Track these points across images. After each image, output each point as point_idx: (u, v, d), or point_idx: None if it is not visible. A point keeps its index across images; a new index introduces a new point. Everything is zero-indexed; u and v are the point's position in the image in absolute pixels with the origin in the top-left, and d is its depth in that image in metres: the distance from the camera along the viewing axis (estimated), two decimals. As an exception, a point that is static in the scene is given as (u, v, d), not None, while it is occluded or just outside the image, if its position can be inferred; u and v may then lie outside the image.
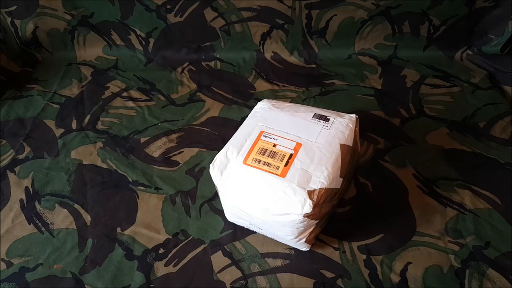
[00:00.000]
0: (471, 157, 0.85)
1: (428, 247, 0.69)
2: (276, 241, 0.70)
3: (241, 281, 0.66)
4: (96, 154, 0.90)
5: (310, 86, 1.07)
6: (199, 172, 0.84)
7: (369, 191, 0.79)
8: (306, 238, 0.64)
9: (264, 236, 0.71)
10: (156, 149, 0.90)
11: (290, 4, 1.10)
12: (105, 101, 1.05)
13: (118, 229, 0.74)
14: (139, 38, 1.18)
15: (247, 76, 1.12)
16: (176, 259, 0.69)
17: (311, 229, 0.63)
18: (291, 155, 0.62)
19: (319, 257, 0.69)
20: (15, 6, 1.12)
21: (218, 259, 0.69)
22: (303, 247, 0.67)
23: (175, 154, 0.89)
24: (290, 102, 0.90)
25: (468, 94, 1.01)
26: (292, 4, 1.10)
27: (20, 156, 0.90)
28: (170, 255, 0.70)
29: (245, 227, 0.71)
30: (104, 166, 0.87)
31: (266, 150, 0.64)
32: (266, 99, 0.77)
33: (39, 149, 0.92)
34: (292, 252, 0.69)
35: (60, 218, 0.77)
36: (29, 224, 0.76)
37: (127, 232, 0.74)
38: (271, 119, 0.70)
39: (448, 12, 1.08)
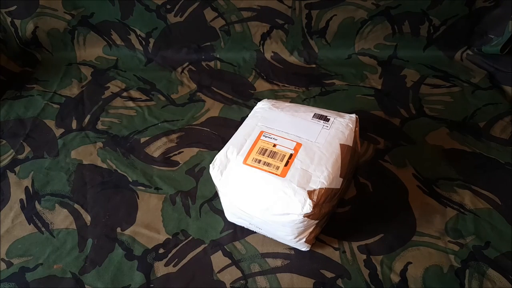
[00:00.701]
0: (471, 157, 0.85)
1: (428, 247, 0.69)
2: (276, 241, 0.70)
3: (241, 281, 0.66)
4: (96, 154, 0.90)
5: (310, 86, 1.07)
6: (199, 172, 0.84)
7: (369, 191, 0.79)
8: (306, 238, 0.64)
9: (264, 236, 0.71)
10: (156, 149, 0.90)
11: (290, 4, 1.10)
12: (105, 101, 1.05)
13: (118, 229, 0.75)
14: (139, 38, 1.18)
15: (247, 76, 1.12)
16: (176, 259, 0.69)
17: (311, 229, 0.63)
18: (291, 155, 0.62)
19: (319, 257, 0.69)
20: (15, 6, 1.12)
21: (218, 259, 0.69)
22: (303, 247, 0.67)
23: (175, 154, 0.89)
24: (290, 102, 0.90)
25: (468, 94, 1.01)
26: (292, 4, 1.10)
27: (20, 156, 0.90)
28: (170, 255, 0.70)
29: (245, 227, 0.71)
30: (104, 166, 0.87)
31: (266, 150, 0.64)
32: (266, 99, 0.77)
33: (39, 149, 0.92)
34: (292, 252, 0.69)
35: (60, 218, 0.77)
36: (29, 224, 0.76)
37: (127, 232, 0.74)
38: (271, 119, 0.70)
39: (448, 12, 1.08)
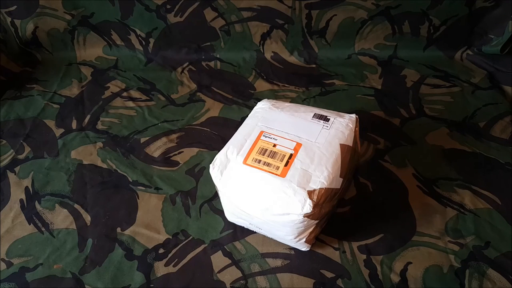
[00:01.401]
0: (471, 157, 0.85)
1: (428, 247, 0.69)
2: (276, 241, 0.70)
3: (241, 281, 0.66)
4: (96, 154, 0.90)
5: (310, 86, 1.07)
6: (199, 172, 0.84)
7: (369, 191, 0.79)
8: (306, 238, 0.64)
9: (264, 236, 0.71)
10: (156, 149, 0.90)
11: (290, 4, 1.10)
12: (105, 101, 1.05)
13: (118, 229, 0.75)
14: (139, 38, 1.18)
15: (247, 76, 1.12)
16: (176, 259, 0.69)
17: (311, 229, 0.63)
18: (291, 155, 0.62)
19: (319, 257, 0.69)
20: (15, 6, 1.12)
21: (218, 259, 0.69)
22: (303, 247, 0.67)
23: (175, 154, 0.89)
24: (290, 102, 0.90)
25: (468, 94, 1.01)
26: (292, 4, 1.10)
27: (20, 156, 0.90)
28: (170, 255, 0.70)
29: (245, 227, 0.71)
30: (104, 166, 0.87)
31: (266, 150, 0.64)
32: (266, 99, 0.77)
33: (39, 149, 0.92)
34: (292, 252, 0.69)
35: (60, 218, 0.77)
36: (29, 224, 0.76)
37: (127, 232, 0.74)
38: (271, 119, 0.70)
39: (448, 12, 1.08)
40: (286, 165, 0.61)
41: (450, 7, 1.07)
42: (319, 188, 0.58)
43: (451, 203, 0.76)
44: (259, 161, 0.62)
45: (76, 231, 0.75)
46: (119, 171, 0.85)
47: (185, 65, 1.17)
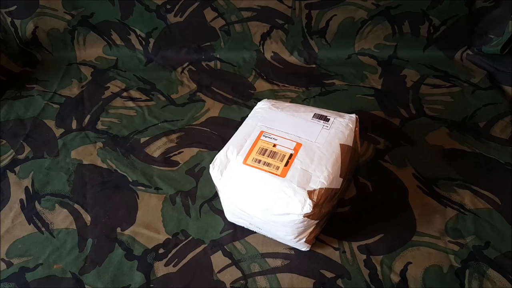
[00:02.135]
0: (471, 157, 0.85)
1: (428, 247, 0.69)
2: (276, 241, 0.70)
3: (241, 281, 0.66)
4: (96, 154, 0.90)
5: (310, 86, 1.07)
6: (199, 172, 0.84)
7: (369, 191, 0.79)
8: (306, 238, 0.64)
9: (264, 236, 0.71)
10: (156, 149, 0.90)
11: (290, 4, 1.10)
12: (105, 101, 1.05)
13: (118, 229, 0.75)
14: (139, 38, 1.18)
15: (247, 76, 1.12)
16: (176, 259, 0.69)
17: (311, 229, 0.63)
18: (291, 155, 0.62)
19: (319, 257, 0.69)
20: (15, 6, 1.12)
21: (218, 259, 0.69)
22: (303, 247, 0.67)
23: (175, 154, 0.89)
24: (290, 102, 0.90)
25: (468, 94, 1.01)
26: (292, 4, 1.10)
27: (20, 156, 0.90)
28: (170, 255, 0.70)
29: (245, 227, 0.71)
30: (104, 166, 0.87)
31: (266, 150, 0.64)
32: (266, 99, 0.77)
33: (39, 149, 0.92)
34: (292, 252, 0.69)
35: (60, 218, 0.77)
36: (29, 224, 0.76)
37: (127, 232, 0.74)
38: (271, 119, 0.70)
39: (448, 12, 1.08)
40: (286, 165, 0.61)
41: (450, 7, 1.07)
42: (319, 188, 0.58)
43: (451, 203, 0.76)
44: (259, 161, 0.62)
45: (76, 231, 0.75)
46: (119, 171, 0.85)
47: (185, 65, 1.17)
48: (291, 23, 1.13)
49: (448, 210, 0.75)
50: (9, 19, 1.14)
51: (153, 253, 0.71)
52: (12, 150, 0.91)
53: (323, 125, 0.67)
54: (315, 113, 0.70)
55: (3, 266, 0.70)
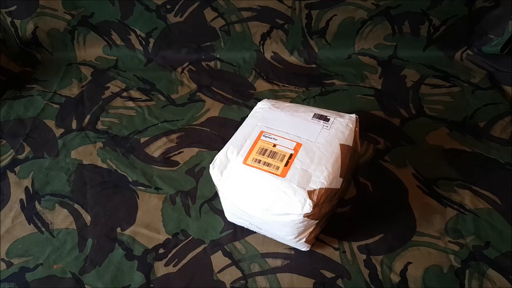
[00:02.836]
0: (471, 157, 0.85)
1: (428, 247, 0.69)
2: (276, 241, 0.70)
3: (241, 281, 0.66)
4: (96, 154, 0.90)
5: (310, 86, 1.07)
6: (199, 172, 0.84)
7: (369, 191, 0.79)
8: (306, 238, 0.64)
9: (264, 236, 0.71)
10: (156, 149, 0.90)
11: (290, 4, 1.10)
12: (105, 101, 1.05)
13: (118, 229, 0.74)
14: (139, 38, 1.18)
15: (247, 76, 1.12)
16: (176, 259, 0.69)
17: (311, 229, 0.63)
18: (291, 155, 0.62)
19: (319, 257, 0.69)
20: (15, 6, 1.12)
21: (218, 259, 0.69)
22: (303, 247, 0.67)
23: (175, 154, 0.89)
24: (290, 102, 0.90)
25: (468, 94, 1.01)
26: (292, 4, 1.10)
27: (20, 156, 0.90)
28: (170, 255, 0.70)
29: (245, 227, 0.71)
30: (104, 166, 0.87)
31: (266, 150, 0.64)
32: (266, 99, 0.77)
33: (39, 149, 0.92)
34: (292, 252, 0.69)
35: (60, 218, 0.77)
36: (29, 224, 0.76)
37: (127, 232, 0.74)
38: (271, 119, 0.70)
39: (448, 12, 1.08)
40: (286, 165, 0.61)
41: (450, 7, 1.07)
42: (319, 188, 0.58)
43: (451, 203, 0.76)
44: (259, 161, 0.62)
45: (76, 231, 0.75)
46: (119, 171, 0.85)
47: (185, 65, 1.17)
48: (291, 23, 1.13)
49: (448, 210, 0.75)
50: (9, 19, 1.14)
51: (153, 253, 0.71)
52: (12, 150, 0.91)
53: (323, 125, 0.67)
54: (315, 113, 0.70)
55: (3, 266, 0.70)
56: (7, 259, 0.71)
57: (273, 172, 0.60)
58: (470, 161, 0.84)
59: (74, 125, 0.98)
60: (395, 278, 0.65)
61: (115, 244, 0.72)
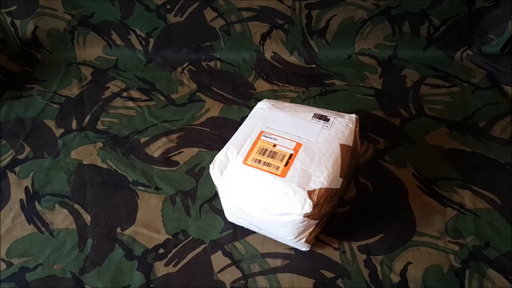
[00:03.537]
0: (471, 157, 0.85)
1: (428, 247, 0.69)
2: (276, 241, 0.70)
3: (241, 281, 0.66)
4: (96, 154, 0.90)
5: (310, 86, 1.07)
6: (199, 172, 0.84)
7: (369, 191, 0.79)
8: (306, 238, 0.64)
9: (264, 236, 0.71)
10: (156, 149, 0.90)
11: (290, 4, 1.10)
12: (105, 101, 1.05)
13: (118, 229, 0.75)
14: (139, 38, 1.18)
15: (247, 76, 1.12)
16: (176, 259, 0.69)
17: (311, 229, 0.63)
18: (291, 155, 0.62)
19: (319, 257, 0.69)
20: (15, 6, 1.12)
21: (218, 259, 0.69)
22: (303, 247, 0.67)
23: (175, 154, 0.89)
24: (290, 102, 0.90)
25: (468, 94, 1.01)
26: (292, 4, 1.10)
27: (20, 156, 0.90)
28: (170, 255, 0.70)
29: (245, 227, 0.71)
30: (104, 166, 0.87)
31: (266, 150, 0.64)
32: (266, 99, 0.77)
33: (39, 149, 0.92)
34: (292, 252, 0.69)
35: (60, 218, 0.77)
36: (29, 224, 0.76)
37: (127, 232, 0.74)
38: (271, 119, 0.70)
39: (448, 12, 1.08)
40: (286, 165, 0.61)
41: (450, 7, 1.07)
42: (319, 188, 0.58)
43: (451, 203, 0.76)
44: (259, 161, 0.62)
45: (76, 231, 0.75)
46: (119, 171, 0.85)
47: (185, 65, 1.17)
48: (291, 23, 1.13)
49: (448, 210, 0.75)
50: (9, 19, 1.14)
51: (153, 253, 0.71)
52: (12, 150, 0.91)
53: (323, 125, 0.67)
54: (315, 113, 0.70)
55: (3, 266, 0.70)
56: (7, 259, 0.71)
57: (273, 172, 0.60)
58: (470, 161, 0.84)
59: (74, 125, 0.98)
60: (395, 278, 0.65)
61: (115, 244, 0.72)
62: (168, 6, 1.12)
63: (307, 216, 0.58)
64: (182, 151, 0.89)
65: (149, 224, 0.75)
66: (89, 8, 1.14)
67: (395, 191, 0.79)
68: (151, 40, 1.18)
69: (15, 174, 0.86)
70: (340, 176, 0.63)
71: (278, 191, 0.59)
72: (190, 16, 1.13)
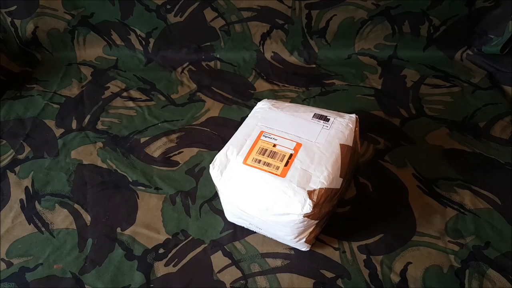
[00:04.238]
0: (471, 157, 0.85)
1: (428, 247, 0.69)
2: (276, 241, 0.70)
3: (241, 281, 0.66)
4: (96, 154, 0.90)
5: (310, 86, 1.07)
6: (199, 172, 0.84)
7: (369, 191, 0.79)
8: (306, 238, 0.64)
9: (264, 236, 0.71)
10: (156, 149, 0.90)
11: (290, 4, 1.10)
12: (105, 101, 1.05)
13: (118, 229, 0.75)
14: (139, 38, 1.18)
15: (247, 76, 1.12)
16: (176, 259, 0.69)
17: (311, 229, 0.63)
18: (291, 155, 0.62)
19: (319, 257, 0.69)
20: (15, 6, 1.12)
21: (218, 259, 0.69)
22: (303, 247, 0.67)
23: (175, 154, 0.89)
24: (290, 102, 0.90)
25: (468, 94, 1.01)
26: (292, 4, 1.10)
27: (20, 156, 0.90)
28: (170, 255, 0.70)
29: (245, 227, 0.71)
30: (104, 166, 0.87)
31: (266, 150, 0.64)
32: (266, 99, 0.77)
33: (39, 149, 0.92)
34: (292, 252, 0.69)
35: (60, 218, 0.77)
36: (29, 224, 0.76)
37: (127, 232, 0.74)
38: (271, 119, 0.70)
39: (448, 12, 1.08)
40: (286, 165, 0.61)
41: (450, 7, 1.07)
42: (319, 188, 0.58)
43: (451, 203, 0.76)
44: (259, 161, 0.62)
45: (76, 231, 0.75)
46: (119, 171, 0.85)
47: (185, 65, 1.17)
48: (291, 23, 1.13)
49: (448, 210, 0.75)
50: (9, 19, 1.14)
51: (153, 253, 0.71)
52: (12, 150, 0.91)
53: (323, 125, 0.67)
54: (315, 113, 0.70)
55: (3, 266, 0.70)
56: (7, 259, 0.71)
57: (273, 172, 0.60)
58: (470, 161, 0.84)
59: (74, 125, 0.98)
60: (395, 278, 0.65)
61: (115, 244, 0.72)
62: (168, 6, 1.12)
63: (307, 216, 0.58)
64: (182, 151, 0.89)
65: (149, 224, 0.75)
66: (89, 8, 1.14)
67: (395, 191, 0.79)
68: (151, 40, 1.18)
69: (15, 174, 0.86)
70: (340, 176, 0.63)
71: (278, 191, 0.59)
72: (190, 16, 1.13)
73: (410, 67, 1.11)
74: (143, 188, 0.82)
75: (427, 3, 1.07)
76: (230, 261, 0.69)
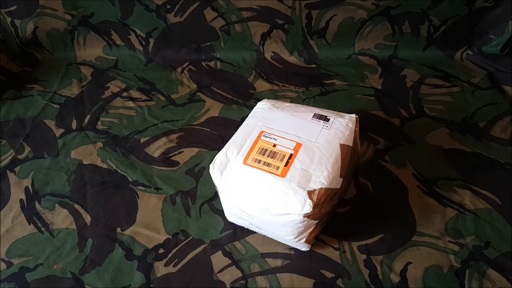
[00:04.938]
0: (471, 157, 0.85)
1: (428, 247, 0.69)
2: (276, 241, 0.70)
3: (241, 281, 0.66)
4: (96, 154, 0.90)
5: (310, 86, 1.07)
6: (199, 172, 0.84)
7: (369, 191, 0.79)
8: (306, 238, 0.64)
9: (264, 236, 0.71)
10: (156, 149, 0.90)
11: (290, 4, 1.10)
12: (105, 101, 1.05)
13: (118, 229, 0.74)
14: (139, 38, 1.18)
15: (247, 76, 1.12)
16: (176, 259, 0.69)
17: (311, 229, 0.63)
18: (291, 155, 0.62)
19: (319, 257, 0.69)
20: (15, 6, 1.12)
21: (218, 259, 0.69)
22: (303, 247, 0.67)
23: (175, 154, 0.89)
24: (290, 102, 0.90)
25: (468, 94, 1.01)
26: (292, 4, 1.10)
27: (20, 156, 0.90)
28: (170, 255, 0.70)
29: (245, 227, 0.71)
30: (104, 166, 0.87)
31: (266, 150, 0.64)
32: (266, 99, 0.77)
33: (39, 149, 0.92)
34: (292, 252, 0.69)
35: (60, 218, 0.77)
36: (29, 224, 0.76)
37: (127, 232, 0.74)
38: (271, 119, 0.70)
39: (448, 12, 1.08)
40: (286, 165, 0.61)
41: (450, 7, 1.07)
42: (319, 188, 0.58)
43: (451, 203, 0.76)
44: (259, 161, 0.62)
45: (76, 231, 0.75)
46: (119, 171, 0.85)
47: (185, 65, 1.17)
48: (291, 23, 1.13)
49: (448, 210, 0.75)
50: (9, 19, 1.14)
51: (153, 253, 0.71)
52: (12, 150, 0.91)
53: (323, 125, 0.67)
54: (315, 113, 0.70)
55: (3, 266, 0.70)
56: (7, 259, 0.71)
57: (273, 172, 0.60)
58: (470, 161, 0.84)
59: (74, 125, 0.98)
60: (395, 278, 0.65)
61: (115, 244, 0.72)
62: (168, 6, 1.12)
63: (307, 216, 0.58)
64: (182, 151, 0.89)
65: (149, 224, 0.75)
66: (89, 8, 1.14)
67: (395, 191, 0.79)
68: (151, 40, 1.18)
69: (15, 174, 0.86)
70: (340, 176, 0.63)
71: (278, 191, 0.59)
72: (190, 16, 1.13)
73: (410, 67, 1.11)
74: (143, 188, 0.82)
75: (427, 3, 1.07)
76: (230, 261, 0.69)
